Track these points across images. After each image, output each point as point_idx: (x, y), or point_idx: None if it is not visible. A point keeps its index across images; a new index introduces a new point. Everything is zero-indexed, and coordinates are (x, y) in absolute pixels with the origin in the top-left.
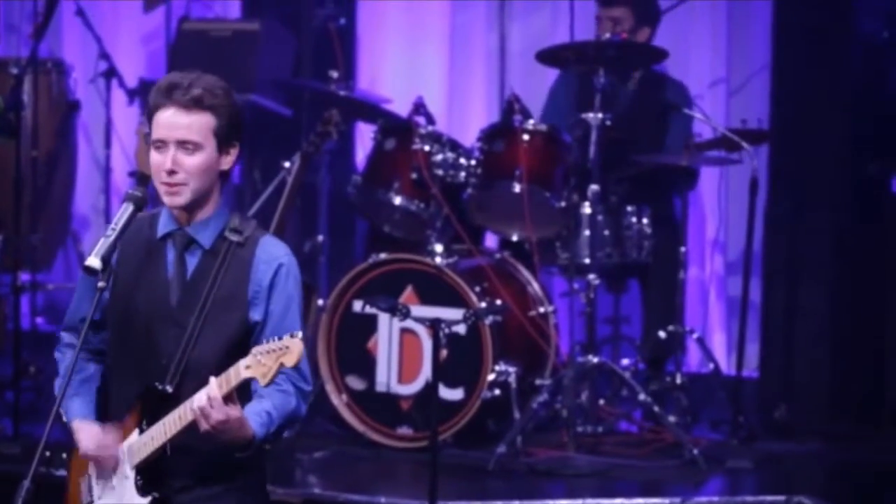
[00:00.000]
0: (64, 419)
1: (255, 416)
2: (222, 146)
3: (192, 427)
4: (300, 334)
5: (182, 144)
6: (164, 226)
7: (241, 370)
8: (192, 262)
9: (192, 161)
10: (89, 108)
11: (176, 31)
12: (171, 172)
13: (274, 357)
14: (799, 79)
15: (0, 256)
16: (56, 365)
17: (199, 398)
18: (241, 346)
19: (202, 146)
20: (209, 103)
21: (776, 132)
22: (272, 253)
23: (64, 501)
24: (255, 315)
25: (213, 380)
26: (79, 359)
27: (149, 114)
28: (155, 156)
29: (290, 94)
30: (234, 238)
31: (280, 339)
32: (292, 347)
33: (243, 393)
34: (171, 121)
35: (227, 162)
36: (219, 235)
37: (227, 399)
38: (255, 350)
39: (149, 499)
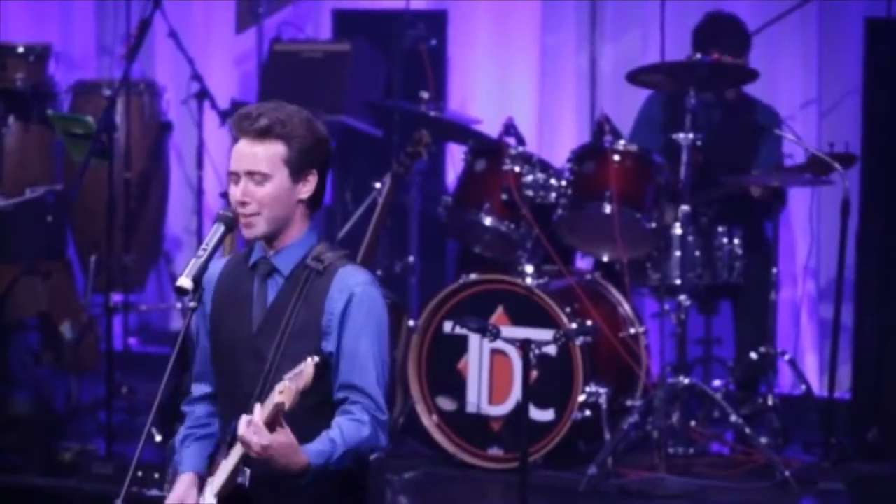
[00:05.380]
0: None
1: (317, 443)
2: (297, 175)
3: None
4: (316, 358)
5: (251, 175)
6: (254, 256)
7: (276, 395)
8: (272, 290)
9: (262, 191)
10: (182, 130)
11: (268, 53)
12: (243, 203)
13: (294, 381)
14: (891, 100)
15: (93, 277)
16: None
17: (242, 424)
18: (316, 376)
19: (271, 176)
20: (278, 132)
21: (868, 154)
22: (347, 282)
23: None
24: (328, 346)
25: (257, 406)
26: (204, 415)
27: None
28: (231, 188)
29: (381, 115)
30: (315, 266)
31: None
32: (304, 370)
33: (315, 423)
34: (240, 152)
35: (305, 190)
36: (299, 263)
37: (274, 424)
38: (286, 375)
39: None
